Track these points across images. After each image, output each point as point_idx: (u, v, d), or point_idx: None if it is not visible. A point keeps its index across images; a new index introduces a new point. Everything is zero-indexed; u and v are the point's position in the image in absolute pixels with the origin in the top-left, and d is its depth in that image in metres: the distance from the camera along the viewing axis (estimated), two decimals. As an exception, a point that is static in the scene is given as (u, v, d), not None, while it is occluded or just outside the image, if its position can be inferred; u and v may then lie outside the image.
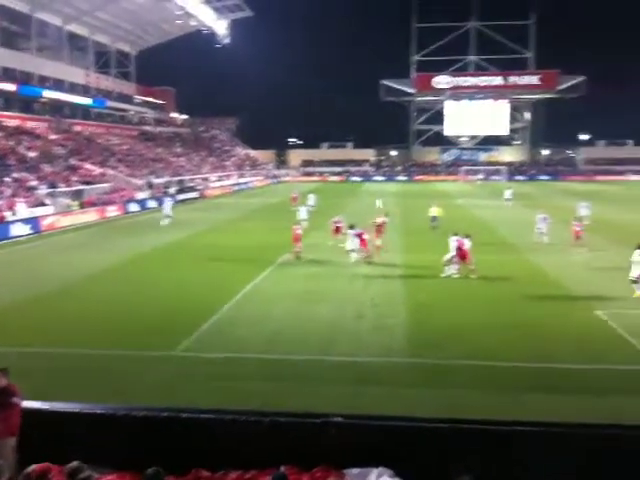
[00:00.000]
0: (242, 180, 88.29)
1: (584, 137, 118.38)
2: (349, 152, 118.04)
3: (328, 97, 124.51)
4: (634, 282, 19.12)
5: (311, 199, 47.47)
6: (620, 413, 10.06)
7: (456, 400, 11.01)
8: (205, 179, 76.31)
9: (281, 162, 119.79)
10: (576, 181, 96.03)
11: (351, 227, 25.78)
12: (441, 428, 7.43)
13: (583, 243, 28.15)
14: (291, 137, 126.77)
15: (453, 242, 22.41)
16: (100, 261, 26.09)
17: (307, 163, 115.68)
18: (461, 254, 22.18)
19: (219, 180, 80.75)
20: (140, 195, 55.70)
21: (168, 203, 41.95)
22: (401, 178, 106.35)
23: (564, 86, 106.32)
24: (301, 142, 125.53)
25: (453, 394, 11.41)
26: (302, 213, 36.73)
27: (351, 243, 24.96)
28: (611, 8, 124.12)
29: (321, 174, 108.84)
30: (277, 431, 7.27)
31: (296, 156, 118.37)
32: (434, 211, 35.49)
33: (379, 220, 27.66)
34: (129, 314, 17.32)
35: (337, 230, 29.82)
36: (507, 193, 52.52)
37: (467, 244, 22.32)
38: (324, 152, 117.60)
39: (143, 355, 13.82)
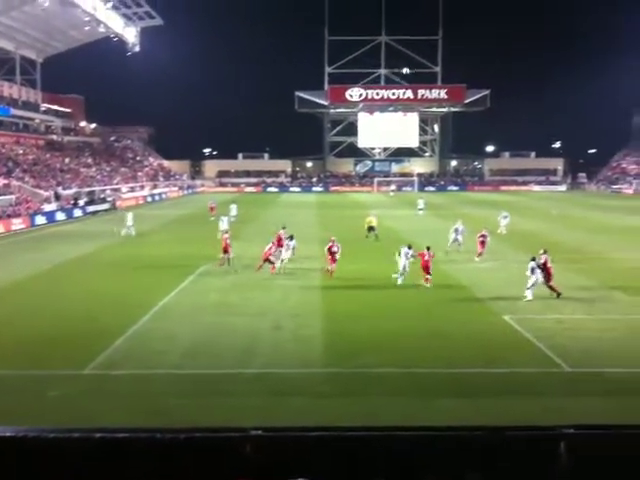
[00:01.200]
0: (156, 191, 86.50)
1: (490, 149, 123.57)
2: (265, 163, 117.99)
3: (244, 107, 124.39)
4: (528, 288, 20.23)
5: (233, 209, 47.23)
6: (527, 413, 10.54)
7: (373, 408, 11.20)
8: (117, 190, 74.24)
9: (196, 172, 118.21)
10: (483, 191, 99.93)
11: (291, 238, 26.42)
12: (357, 437, 7.56)
13: (493, 251, 29.29)
14: (206, 147, 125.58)
15: (404, 253, 22.69)
16: (4, 276, 24.87)
17: (223, 174, 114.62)
18: (424, 264, 22.40)
19: (131, 191, 78.76)
20: (47, 207, 53.52)
21: (129, 214, 41.00)
22: (317, 189, 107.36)
23: (470, 100, 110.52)
24: (217, 152, 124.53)
25: (370, 402, 11.60)
26: (224, 223, 36.38)
27: (285, 253, 25.34)
28: (514, 26, 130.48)
29: (237, 185, 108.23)
30: (194, 447, 7.18)
31: (211, 166, 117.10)
32: (371, 221, 35.76)
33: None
34: (37, 331, 16.57)
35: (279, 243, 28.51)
36: (420, 203, 53.89)
37: (427, 255, 22.51)
38: (240, 163, 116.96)
39: (49, 374, 13.24)
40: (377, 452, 7.53)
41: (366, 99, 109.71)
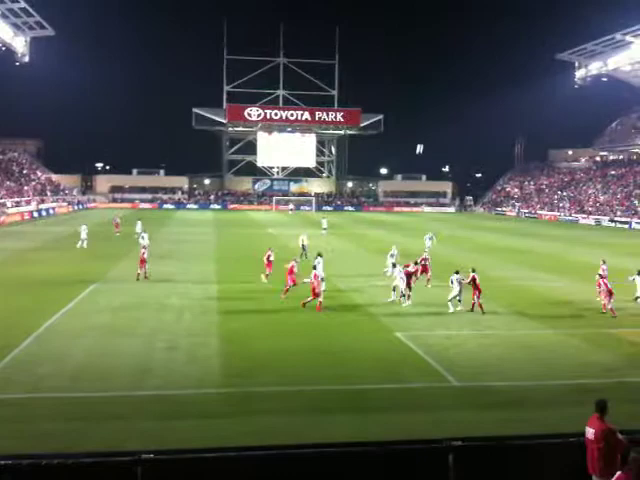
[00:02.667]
0: (43, 206, 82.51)
1: (384, 171, 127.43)
2: (161, 179, 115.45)
3: (139, 122, 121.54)
4: (449, 300, 21.56)
5: (138, 226, 46.32)
6: (417, 427, 10.87)
7: (266, 427, 11.16)
8: (1, 205, 70.13)
9: (87, 187, 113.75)
10: (378, 212, 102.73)
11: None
12: (251, 456, 7.53)
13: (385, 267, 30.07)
14: (99, 162, 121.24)
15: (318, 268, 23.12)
16: None
17: (116, 189, 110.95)
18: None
19: (17, 206, 74.69)
20: None
21: (84, 227, 41.12)
22: (215, 207, 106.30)
23: (365, 123, 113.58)
24: (109, 167, 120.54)
25: (264, 421, 11.56)
26: (144, 240, 35.70)
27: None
28: (408, 54, 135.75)
29: (131, 201, 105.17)
30: (82, 473, 6.88)
31: (104, 182, 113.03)
32: (303, 240, 35.82)
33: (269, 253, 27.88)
34: None
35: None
36: (323, 223, 54.59)
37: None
38: (134, 178, 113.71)
39: None
40: (271, 471, 7.57)
41: (265, 119, 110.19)
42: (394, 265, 24.66)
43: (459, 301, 21.81)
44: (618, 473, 6.72)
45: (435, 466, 7.61)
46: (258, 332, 18.51)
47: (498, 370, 15.11)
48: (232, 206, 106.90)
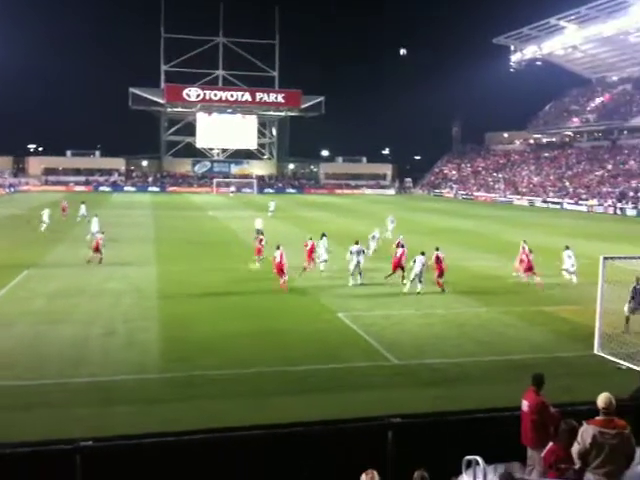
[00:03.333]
0: (-29, 189, 79.24)
1: (325, 153, 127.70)
2: (97, 161, 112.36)
3: (73, 102, 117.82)
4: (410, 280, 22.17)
5: (82, 209, 45.27)
6: (359, 406, 11.02)
7: (209, 411, 11.12)
8: None
9: (19, 170, 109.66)
10: (319, 194, 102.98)
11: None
12: (192, 440, 7.50)
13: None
14: (31, 143, 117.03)
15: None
16: None
17: (49, 171, 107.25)
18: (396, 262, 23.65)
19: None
20: None
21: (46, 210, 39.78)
22: (153, 189, 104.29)
23: (306, 105, 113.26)
24: (42, 149, 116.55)
25: (206, 405, 11.50)
26: (95, 225, 34.22)
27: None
28: (348, 36, 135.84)
29: (65, 184, 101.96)
30: (20, 462, 6.72)
31: (36, 163, 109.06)
32: (259, 223, 35.37)
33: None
34: None
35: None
36: (271, 205, 54.54)
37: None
38: (69, 160, 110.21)
39: None
40: (216, 454, 7.56)
41: (204, 99, 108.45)
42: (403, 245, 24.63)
43: (420, 282, 21.99)
44: (550, 444, 7.01)
45: (375, 443, 7.76)
46: (199, 316, 18.36)
47: (436, 348, 15.47)
48: (171, 188, 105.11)
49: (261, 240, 27.37)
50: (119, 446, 7.15)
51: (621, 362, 13.87)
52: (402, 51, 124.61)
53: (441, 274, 22.31)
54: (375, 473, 5.40)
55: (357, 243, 24.04)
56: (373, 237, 31.36)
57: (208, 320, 17.83)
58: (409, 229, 39.66)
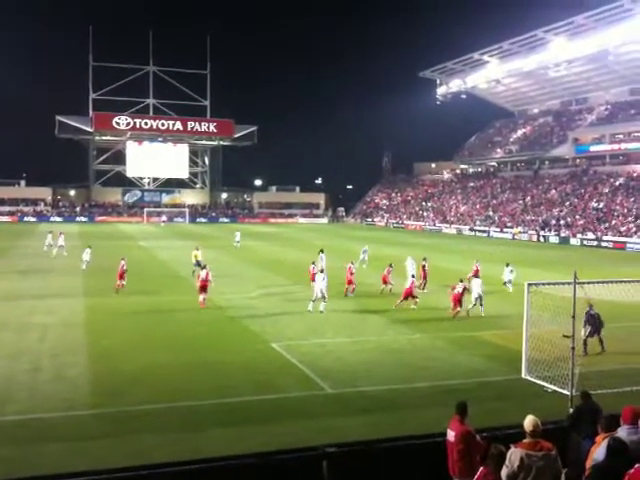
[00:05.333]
0: None
1: (258, 182, 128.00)
2: (22, 190, 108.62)
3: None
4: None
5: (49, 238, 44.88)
6: (294, 436, 11.00)
7: (141, 446, 10.86)
8: None
9: None
10: (253, 223, 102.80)
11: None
12: (126, 477, 7.33)
13: (257, 279, 30.13)
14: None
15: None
16: None
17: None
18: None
19: None
20: None
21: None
22: (81, 219, 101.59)
23: (238, 135, 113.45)
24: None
25: (138, 441, 11.23)
26: (87, 254, 35.12)
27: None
28: (281, 67, 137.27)
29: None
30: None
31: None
32: (197, 255, 34.53)
33: None
34: None
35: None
36: (237, 235, 54.90)
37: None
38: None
39: None
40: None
41: (134, 128, 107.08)
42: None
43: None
44: (481, 468, 7.18)
45: (311, 473, 7.78)
46: (129, 348, 17.92)
47: (370, 375, 15.62)
48: (100, 218, 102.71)
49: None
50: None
51: (547, 385, 14.37)
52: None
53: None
54: None
55: (322, 271, 24.70)
56: (364, 251, 37.85)
57: (138, 352, 17.42)
58: (343, 257, 39.99)
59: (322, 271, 26.59)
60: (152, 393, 13.88)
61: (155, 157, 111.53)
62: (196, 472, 7.64)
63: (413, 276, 25.98)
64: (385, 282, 27.76)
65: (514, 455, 6.60)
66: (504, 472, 6.62)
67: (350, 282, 27.56)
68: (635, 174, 76.73)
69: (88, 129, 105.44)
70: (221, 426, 12.09)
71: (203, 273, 24.63)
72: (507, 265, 30.34)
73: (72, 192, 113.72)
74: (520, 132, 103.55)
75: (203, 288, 24.15)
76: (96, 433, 11.66)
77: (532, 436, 6.70)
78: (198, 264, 33.30)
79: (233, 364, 16.48)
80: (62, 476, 7.33)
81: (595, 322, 17.72)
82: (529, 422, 6.79)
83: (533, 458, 6.53)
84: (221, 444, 10.48)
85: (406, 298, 24.39)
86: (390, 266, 28.32)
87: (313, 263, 28.92)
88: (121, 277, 27.67)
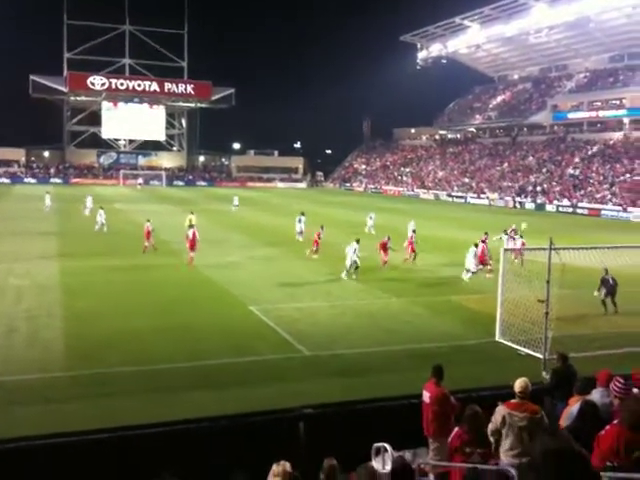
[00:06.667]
0: None
1: (236, 146, 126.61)
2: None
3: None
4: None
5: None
6: (271, 399, 11.06)
7: (114, 409, 10.82)
8: None
9: None
10: (231, 187, 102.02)
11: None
12: (96, 440, 7.32)
13: (238, 245, 30.00)
14: None
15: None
16: None
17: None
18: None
19: None
20: None
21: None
22: (56, 181, 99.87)
23: (216, 97, 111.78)
24: None
25: (112, 403, 11.20)
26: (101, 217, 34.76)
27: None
28: (260, 29, 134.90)
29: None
30: None
31: None
32: (191, 219, 33.76)
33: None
34: None
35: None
36: (235, 200, 54.99)
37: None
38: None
39: None
40: (124, 452, 7.39)
41: (109, 89, 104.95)
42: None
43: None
44: (456, 428, 7.29)
45: (288, 435, 7.84)
46: (106, 311, 17.81)
47: (346, 338, 15.72)
48: (75, 180, 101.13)
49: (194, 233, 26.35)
50: (19, 448, 6.89)
51: (521, 348, 14.60)
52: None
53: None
54: (287, 464, 5.45)
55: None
56: (370, 217, 37.21)
57: (114, 316, 17.32)
58: (321, 222, 39.95)
59: (301, 233, 27.22)
60: (127, 356, 13.83)
61: (131, 118, 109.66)
62: (170, 434, 7.66)
63: (414, 231, 28.13)
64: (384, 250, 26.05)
65: (498, 412, 6.82)
66: (489, 427, 6.85)
67: (316, 243, 28.24)
68: (611, 142, 77.34)
69: (62, 89, 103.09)
70: (196, 389, 12.09)
71: (190, 232, 26.01)
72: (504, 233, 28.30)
73: (46, 153, 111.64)
74: (499, 98, 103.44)
75: (192, 247, 25.59)
76: (71, 395, 11.63)
77: (520, 397, 6.85)
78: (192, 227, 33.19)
79: (210, 327, 16.48)
80: (36, 437, 7.30)
81: (608, 285, 18.67)
82: (518, 384, 6.96)
83: (515, 418, 6.68)
84: (196, 407, 10.49)
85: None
86: (388, 238, 26.49)
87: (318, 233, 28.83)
88: (148, 238, 28.72)
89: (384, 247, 25.98)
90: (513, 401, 6.88)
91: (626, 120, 78.45)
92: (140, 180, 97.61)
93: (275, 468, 5.40)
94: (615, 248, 18.12)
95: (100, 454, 7.22)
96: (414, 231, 29.51)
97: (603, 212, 61.44)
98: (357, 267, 23.51)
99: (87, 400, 11.42)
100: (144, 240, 28.81)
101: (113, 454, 7.25)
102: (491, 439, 6.84)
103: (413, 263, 26.82)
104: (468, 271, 23.59)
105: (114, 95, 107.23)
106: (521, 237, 27.39)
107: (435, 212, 60.01)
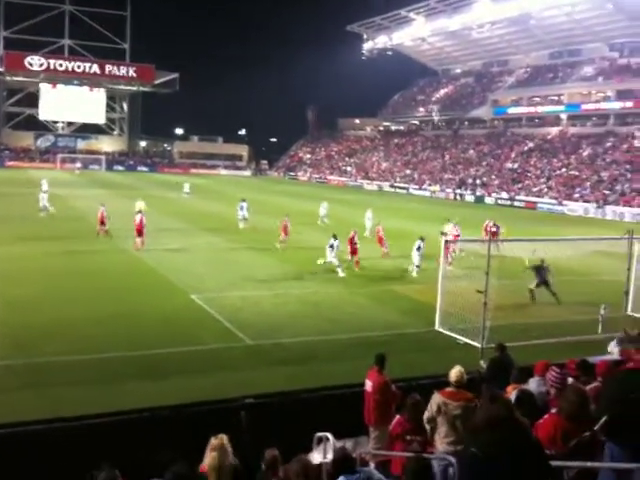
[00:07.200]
0: None
1: (179, 131, 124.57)
2: None
3: None
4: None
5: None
6: (213, 388, 10.99)
7: (54, 400, 10.57)
8: None
9: None
10: (173, 173, 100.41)
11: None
12: (39, 430, 7.14)
13: (182, 232, 29.55)
14: None
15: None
16: None
17: None
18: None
19: None
20: None
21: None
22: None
23: (159, 81, 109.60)
24: None
25: (51, 394, 10.93)
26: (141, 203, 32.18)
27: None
28: (205, 13, 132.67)
29: None
30: None
31: None
32: (140, 205, 32.70)
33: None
34: None
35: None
36: (185, 187, 54.90)
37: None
38: None
39: None
40: (63, 442, 7.19)
41: (48, 69, 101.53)
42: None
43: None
44: (397, 417, 7.41)
45: (229, 424, 7.79)
46: (43, 299, 17.31)
47: (290, 328, 15.74)
48: (10, 163, 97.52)
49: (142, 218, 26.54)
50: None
51: (459, 337, 14.94)
52: None
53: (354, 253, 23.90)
54: (224, 437, 5.42)
55: (245, 219, 24.34)
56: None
57: (53, 303, 16.87)
58: (264, 211, 39.86)
59: (244, 219, 27.18)
60: (65, 345, 13.48)
61: (70, 101, 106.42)
62: (111, 424, 7.53)
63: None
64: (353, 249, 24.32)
65: (433, 400, 6.91)
66: (425, 415, 6.94)
67: (285, 232, 27.98)
68: (549, 137, 79.62)
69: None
70: (137, 379, 11.90)
71: (138, 218, 26.21)
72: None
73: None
74: (442, 92, 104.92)
75: (139, 232, 25.90)
76: (7, 386, 11.26)
77: (455, 386, 6.96)
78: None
79: (151, 316, 16.22)
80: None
81: (541, 274, 19.00)
82: (453, 373, 7.05)
83: (449, 406, 6.79)
84: (137, 397, 10.31)
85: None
86: (355, 232, 24.94)
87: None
88: (102, 223, 28.34)
89: (352, 243, 24.17)
90: (448, 389, 6.99)
91: (563, 116, 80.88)
92: (78, 164, 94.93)
93: (213, 441, 5.36)
94: (552, 241, 18.72)
95: (37, 445, 7.04)
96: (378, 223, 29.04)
97: (539, 205, 63.27)
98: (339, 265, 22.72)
99: (25, 390, 11.10)
100: (97, 224, 28.62)
101: (50, 446, 7.07)
102: (427, 427, 6.94)
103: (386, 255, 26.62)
104: (417, 267, 23.04)
105: (53, 76, 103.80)
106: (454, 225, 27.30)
107: (380, 203, 60.60)
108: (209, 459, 5.23)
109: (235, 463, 5.34)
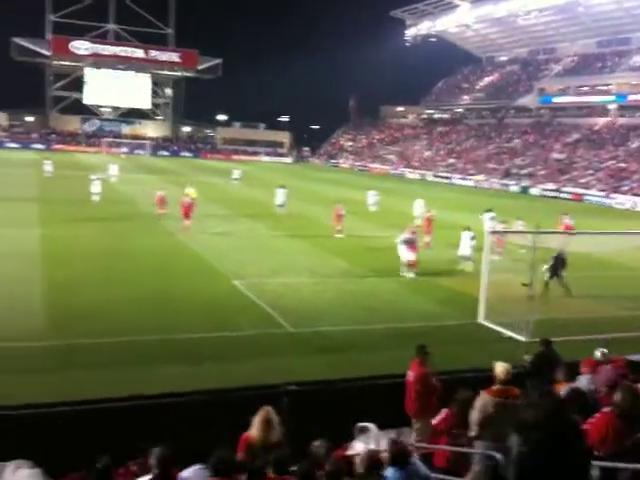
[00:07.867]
0: None
1: (222, 117, 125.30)
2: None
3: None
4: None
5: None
6: (255, 374, 11.01)
7: (92, 380, 10.65)
8: None
9: None
10: (216, 159, 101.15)
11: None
12: (75, 411, 7.22)
13: (224, 218, 29.76)
14: None
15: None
16: None
17: None
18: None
19: None
20: None
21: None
22: (38, 146, 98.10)
23: (203, 67, 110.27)
24: None
25: (89, 375, 11.00)
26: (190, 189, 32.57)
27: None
28: (249, 2, 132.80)
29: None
30: None
31: None
32: (190, 192, 32.48)
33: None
34: None
35: None
36: (235, 173, 54.54)
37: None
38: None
39: None
40: (99, 425, 7.26)
41: (94, 54, 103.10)
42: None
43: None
44: (445, 410, 7.25)
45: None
46: (86, 280, 17.59)
47: (330, 316, 15.65)
48: (57, 146, 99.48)
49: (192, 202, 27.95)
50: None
51: (503, 330, 14.65)
52: None
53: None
54: (270, 409, 5.59)
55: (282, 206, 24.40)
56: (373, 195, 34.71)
57: (95, 285, 17.12)
58: (307, 199, 39.86)
59: (282, 206, 27.23)
60: (107, 327, 13.64)
61: (115, 85, 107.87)
62: (148, 407, 7.57)
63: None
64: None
65: (487, 402, 6.60)
66: (475, 417, 6.62)
67: (339, 220, 27.98)
68: (596, 127, 77.59)
69: (45, 53, 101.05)
70: (175, 363, 11.89)
71: (186, 201, 27.31)
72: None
73: (29, 118, 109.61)
74: (487, 79, 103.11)
75: (186, 215, 26.84)
76: (46, 366, 11.44)
77: (501, 383, 6.72)
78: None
79: (192, 300, 16.31)
80: (12, 407, 7.18)
81: (556, 262, 18.32)
82: (499, 370, 6.77)
83: (498, 405, 6.60)
84: (175, 381, 10.34)
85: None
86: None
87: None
88: (161, 206, 29.43)
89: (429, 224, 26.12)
90: (495, 387, 6.75)
91: (611, 106, 78.67)
92: (124, 149, 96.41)
93: (260, 412, 5.52)
94: (600, 234, 18.20)
95: (72, 427, 7.11)
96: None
97: (586, 197, 61.77)
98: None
99: (65, 371, 11.26)
100: (157, 208, 29.62)
101: (86, 427, 7.14)
102: (475, 428, 6.73)
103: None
104: (468, 259, 21.90)
105: (98, 61, 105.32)
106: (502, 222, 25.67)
107: (424, 192, 59.99)
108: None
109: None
